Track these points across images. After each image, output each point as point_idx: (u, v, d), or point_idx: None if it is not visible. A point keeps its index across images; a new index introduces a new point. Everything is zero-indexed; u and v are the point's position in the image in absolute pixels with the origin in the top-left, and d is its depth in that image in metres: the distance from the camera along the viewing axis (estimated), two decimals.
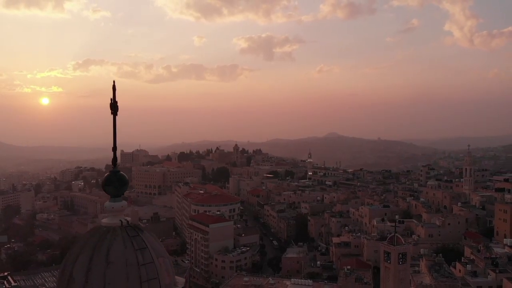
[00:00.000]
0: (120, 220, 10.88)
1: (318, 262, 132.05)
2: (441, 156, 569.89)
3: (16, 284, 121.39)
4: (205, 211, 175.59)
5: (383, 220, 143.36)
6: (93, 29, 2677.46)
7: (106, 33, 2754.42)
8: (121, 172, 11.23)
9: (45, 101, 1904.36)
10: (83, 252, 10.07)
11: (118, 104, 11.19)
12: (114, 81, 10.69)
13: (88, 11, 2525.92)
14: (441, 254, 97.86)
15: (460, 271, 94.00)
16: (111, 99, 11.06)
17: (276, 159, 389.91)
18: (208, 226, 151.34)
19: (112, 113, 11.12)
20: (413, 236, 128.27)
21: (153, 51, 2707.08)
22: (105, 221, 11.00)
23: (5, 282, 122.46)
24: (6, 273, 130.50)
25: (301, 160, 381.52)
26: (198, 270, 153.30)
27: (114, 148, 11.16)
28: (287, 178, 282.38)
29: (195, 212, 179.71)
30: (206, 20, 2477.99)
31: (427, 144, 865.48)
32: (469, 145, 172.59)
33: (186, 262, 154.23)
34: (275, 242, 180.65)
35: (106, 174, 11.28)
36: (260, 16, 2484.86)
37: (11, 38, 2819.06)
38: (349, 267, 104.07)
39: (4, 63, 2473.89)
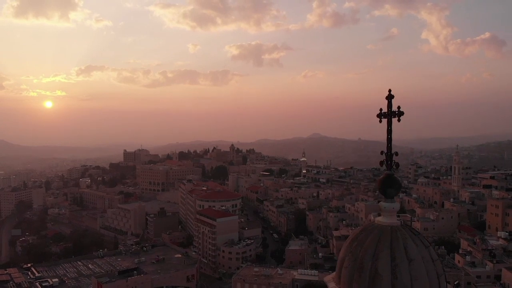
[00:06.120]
0: (398, 220, 10.76)
1: (320, 254, 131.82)
2: (418, 155, 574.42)
3: (39, 274, 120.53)
4: (210, 206, 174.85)
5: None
6: (95, 37, 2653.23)
7: (108, 41, 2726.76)
8: (395, 175, 11.05)
9: (49, 104, 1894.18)
10: (381, 249, 9.93)
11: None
12: (390, 90, 10.42)
13: (92, 21, 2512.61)
14: (443, 246, 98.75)
15: (459, 261, 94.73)
16: (381, 109, 10.74)
17: (269, 158, 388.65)
18: (215, 220, 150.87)
19: (380, 120, 10.81)
20: None
21: (150, 57, 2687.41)
22: (383, 220, 10.86)
23: (29, 273, 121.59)
24: (29, 265, 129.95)
25: (292, 159, 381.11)
26: (206, 261, 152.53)
27: (390, 154, 10.88)
28: (282, 175, 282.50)
29: (200, 207, 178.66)
30: (201, 29, 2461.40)
31: (404, 144, 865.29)
32: (457, 145, 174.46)
33: (193, 253, 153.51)
34: (275, 235, 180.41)
35: (382, 177, 11.09)
36: (251, 25, 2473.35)
37: (19, 46, 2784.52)
38: None
39: (12, 68, 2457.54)
